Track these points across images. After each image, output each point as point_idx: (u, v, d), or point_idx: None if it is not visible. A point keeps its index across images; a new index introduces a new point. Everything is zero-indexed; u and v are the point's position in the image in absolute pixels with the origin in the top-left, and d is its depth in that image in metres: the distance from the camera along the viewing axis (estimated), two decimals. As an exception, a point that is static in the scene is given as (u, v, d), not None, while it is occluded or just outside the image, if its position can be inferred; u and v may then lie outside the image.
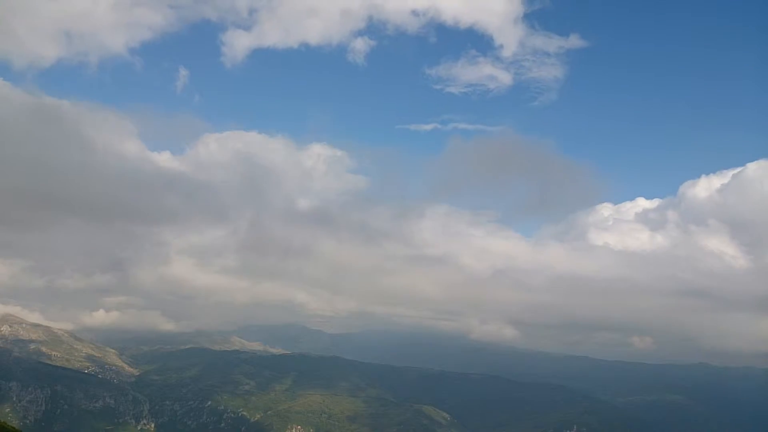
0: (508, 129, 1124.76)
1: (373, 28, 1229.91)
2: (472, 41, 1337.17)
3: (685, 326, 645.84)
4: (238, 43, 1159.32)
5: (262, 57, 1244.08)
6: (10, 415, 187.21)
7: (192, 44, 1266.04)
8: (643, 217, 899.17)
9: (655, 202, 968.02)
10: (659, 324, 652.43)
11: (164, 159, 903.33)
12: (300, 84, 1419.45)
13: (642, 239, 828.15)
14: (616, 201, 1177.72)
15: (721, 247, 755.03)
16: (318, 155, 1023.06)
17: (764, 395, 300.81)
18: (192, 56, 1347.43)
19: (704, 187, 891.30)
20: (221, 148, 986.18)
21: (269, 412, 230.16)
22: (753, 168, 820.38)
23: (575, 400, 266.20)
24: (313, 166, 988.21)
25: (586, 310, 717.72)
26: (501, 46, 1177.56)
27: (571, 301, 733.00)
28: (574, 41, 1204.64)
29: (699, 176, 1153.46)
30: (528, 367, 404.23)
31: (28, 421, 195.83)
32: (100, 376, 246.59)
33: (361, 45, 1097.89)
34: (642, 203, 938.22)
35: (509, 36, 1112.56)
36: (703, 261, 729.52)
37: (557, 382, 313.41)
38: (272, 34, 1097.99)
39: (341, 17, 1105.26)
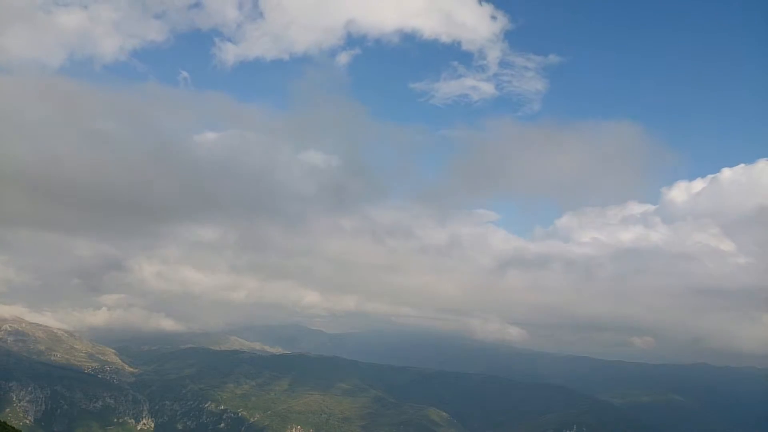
0: (506, 120, 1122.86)
1: (355, 43, 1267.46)
2: (453, 55, 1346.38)
3: (686, 326, 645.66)
4: (229, 54, 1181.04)
5: (259, 64, 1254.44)
6: (10, 415, 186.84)
7: (187, 51, 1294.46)
8: (638, 219, 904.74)
9: (646, 205, 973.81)
10: (660, 324, 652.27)
11: (165, 158, 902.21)
12: (293, 91, 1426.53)
13: (639, 240, 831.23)
14: (605, 204, 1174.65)
15: (721, 247, 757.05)
16: (314, 157, 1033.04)
17: (765, 395, 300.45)
18: (187, 61, 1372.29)
19: (700, 188, 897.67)
20: (222, 148, 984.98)
21: (268, 412, 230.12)
22: (744, 169, 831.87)
23: (575, 400, 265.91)
24: (310, 167, 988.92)
25: (586, 310, 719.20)
26: (482, 66, 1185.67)
27: (571, 300, 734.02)
28: (553, 59, 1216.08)
29: (694, 178, 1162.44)
30: (528, 367, 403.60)
31: (28, 421, 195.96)
32: (99, 375, 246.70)
33: (344, 59, 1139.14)
34: (634, 206, 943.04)
35: (489, 56, 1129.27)
36: (704, 261, 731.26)
37: (557, 382, 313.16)
38: (260, 46, 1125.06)
39: (324, 33, 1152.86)
